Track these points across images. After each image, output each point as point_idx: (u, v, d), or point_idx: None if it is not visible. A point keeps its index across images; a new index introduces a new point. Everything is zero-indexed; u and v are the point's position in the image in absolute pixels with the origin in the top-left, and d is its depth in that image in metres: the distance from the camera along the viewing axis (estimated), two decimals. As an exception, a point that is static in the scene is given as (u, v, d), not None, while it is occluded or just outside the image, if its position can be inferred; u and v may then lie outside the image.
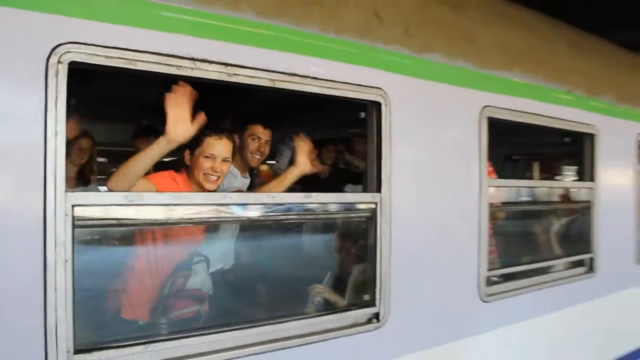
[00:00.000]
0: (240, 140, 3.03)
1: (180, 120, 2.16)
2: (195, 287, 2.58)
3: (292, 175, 2.81)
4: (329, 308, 2.88)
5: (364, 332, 2.73)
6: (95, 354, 1.94)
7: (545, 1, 4.51)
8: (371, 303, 2.77)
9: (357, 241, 3.01)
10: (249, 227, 2.85)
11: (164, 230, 2.49)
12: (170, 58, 2.07)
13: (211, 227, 2.74)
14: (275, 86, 2.36)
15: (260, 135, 3.09)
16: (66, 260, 1.85)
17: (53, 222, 1.82)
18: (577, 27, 4.45)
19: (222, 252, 2.85)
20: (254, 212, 2.52)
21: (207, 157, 2.54)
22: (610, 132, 4.50)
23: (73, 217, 1.87)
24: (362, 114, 2.91)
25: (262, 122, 3.09)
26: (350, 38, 2.67)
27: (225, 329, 2.29)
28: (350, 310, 2.76)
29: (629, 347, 4.83)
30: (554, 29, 4.34)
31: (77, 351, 1.88)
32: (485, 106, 3.34)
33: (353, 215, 2.90)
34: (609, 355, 4.57)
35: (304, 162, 2.85)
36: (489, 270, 3.40)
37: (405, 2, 3.03)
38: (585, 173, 4.43)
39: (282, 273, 3.09)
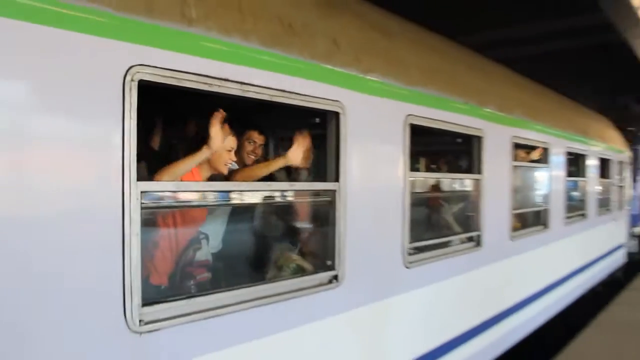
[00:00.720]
0: (238, 142, 3.66)
1: (219, 139, 2.96)
2: (203, 258, 3.23)
3: (278, 163, 3.48)
4: (300, 272, 3.63)
5: (327, 290, 3.53)
6: (156, 306, 2.56)
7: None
8: (331, 267, 3.57)
9: (321, 219, 3.79)
10: (247, 209, 3.54)
11: (188, 212, 3.13)
12: (205, 77, 2.72)
13: (216, 209, 3.40)
14: (273, 100, 3.07)
15: (255, 140, 3.75)
16: (137, 234, 2.45)
17: (129, 204, 2.41)
18: (433, 31, 5.26)
19: (224, 228, 3.49)
20: (256, 197, 3.23)
21: (229, 150, 3.20)
22: (493, 134, 5.65)
23: (141, 200, 2.47)
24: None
25: (258, 128, 3.75)
26: (318, 62, 3.44)
27: (234, 287, 2.99)
28: (316, 273, 3.55)
29: (508, 303, 6.11)
30: (457, 52, 5.42)
31: (144, 304, 2.49)
32: (409, 114, 4.25)
33: (320, 199, 3.69)
34: (494, 310, 5.77)
35: (296, 155, 3.49)
36: (410, 243, 4.33)
37: (354, 31, 3.85)
38: (474, 167, 5.53)
39: (268, 244, 3.80)
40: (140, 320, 2.46)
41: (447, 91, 4.84)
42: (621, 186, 12.27)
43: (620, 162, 12.17)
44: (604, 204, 10.70)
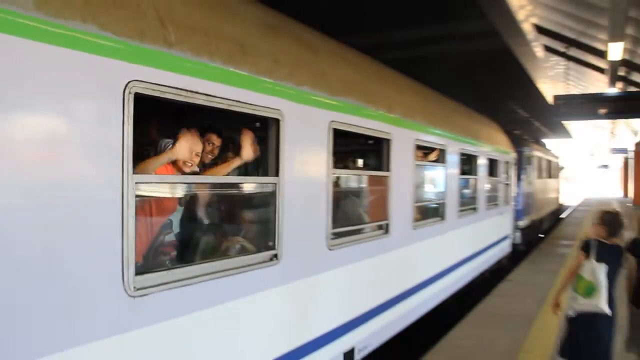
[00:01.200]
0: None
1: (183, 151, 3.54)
2: (171, 240, 3.84)
3: (235, 162, 4.16)
4: (244, 251, 4.32)
5: (268, 266, 4.24)
6: (145, 275, 3.17)
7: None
8: (272, 247, 4.29)
9: (264, 207, 4.49)
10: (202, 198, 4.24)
11: (163, 201, 3.75)
12: (181, 90, 3.34)
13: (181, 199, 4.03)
14: (230, 109, 3.74)
15: (214, 142, 4.35)
16: (133, 216, 3.04)
17: (127, 192, 3.00)
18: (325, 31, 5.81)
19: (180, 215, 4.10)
20: (215, 189, 3.91)
21: (196, 154, 3.82)
22: (399, 137, 6.59)
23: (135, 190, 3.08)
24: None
25: (216, 132, 4.36)
26: (263, 77, 4.14)
27: (199, 262, 3.66)
28: (260, 252, 4.26)
29: (411, 283, 7.10)
30: (371, 65, 6.32)
31: (137, 274, 3.10)
32: (332, 120, 5.05)
33: (265, 191, 4.40)
34: (400, 289, 6.73)
35: (247, 153, 4.19)
36: (332, 229, 5.13)
37: (289, 51, 4.59)
38: (383, 166, 6.43)
39: (217, 228, 4.46)
40: (134, 287, 3.06)
41: (362, 100, 5.70)
42: (507, 184, 13.95)
43: (507, 162, 13.78)
44: (492, 199, 12.24)
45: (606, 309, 4.88)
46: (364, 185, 6.99)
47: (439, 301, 8.40)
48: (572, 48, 16.06)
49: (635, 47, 14.32)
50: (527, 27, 14.24)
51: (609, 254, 5.06)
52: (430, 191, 8.88)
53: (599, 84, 19.07)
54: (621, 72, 16.12)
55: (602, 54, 14.24)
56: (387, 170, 6.41)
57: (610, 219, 5.19)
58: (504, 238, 13.85)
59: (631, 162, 36.92)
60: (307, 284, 4.77)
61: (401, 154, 6.74)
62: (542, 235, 20.25)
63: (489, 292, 10.43)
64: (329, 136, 5.04)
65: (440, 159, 8.50)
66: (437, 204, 8.68)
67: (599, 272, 4.94)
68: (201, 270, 3.61)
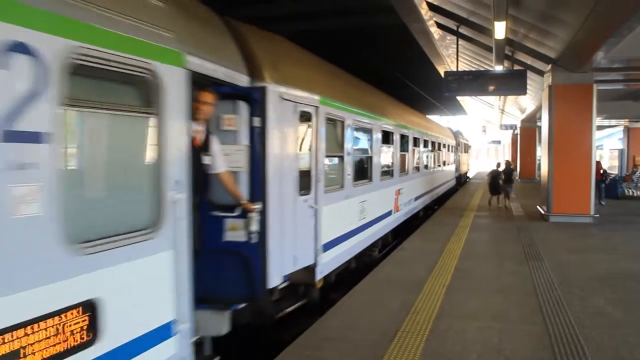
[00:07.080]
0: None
1: None
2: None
3: None
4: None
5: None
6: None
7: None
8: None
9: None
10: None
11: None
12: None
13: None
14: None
15: None
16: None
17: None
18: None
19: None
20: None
21: None
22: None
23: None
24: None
25: None
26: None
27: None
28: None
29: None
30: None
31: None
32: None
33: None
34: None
35: None
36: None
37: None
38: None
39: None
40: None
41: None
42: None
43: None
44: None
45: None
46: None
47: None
48: (463, 26, 16.74)
49: (518, 27, 15.15)
50: (421, 4, 14.58)
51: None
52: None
53: (491, 63, 19.94)
54: (508, 52, 16.98)
55: (490, 33, 14.87)
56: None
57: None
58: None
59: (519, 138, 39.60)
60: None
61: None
62: (466, 181, 40.75)
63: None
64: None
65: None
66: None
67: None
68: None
